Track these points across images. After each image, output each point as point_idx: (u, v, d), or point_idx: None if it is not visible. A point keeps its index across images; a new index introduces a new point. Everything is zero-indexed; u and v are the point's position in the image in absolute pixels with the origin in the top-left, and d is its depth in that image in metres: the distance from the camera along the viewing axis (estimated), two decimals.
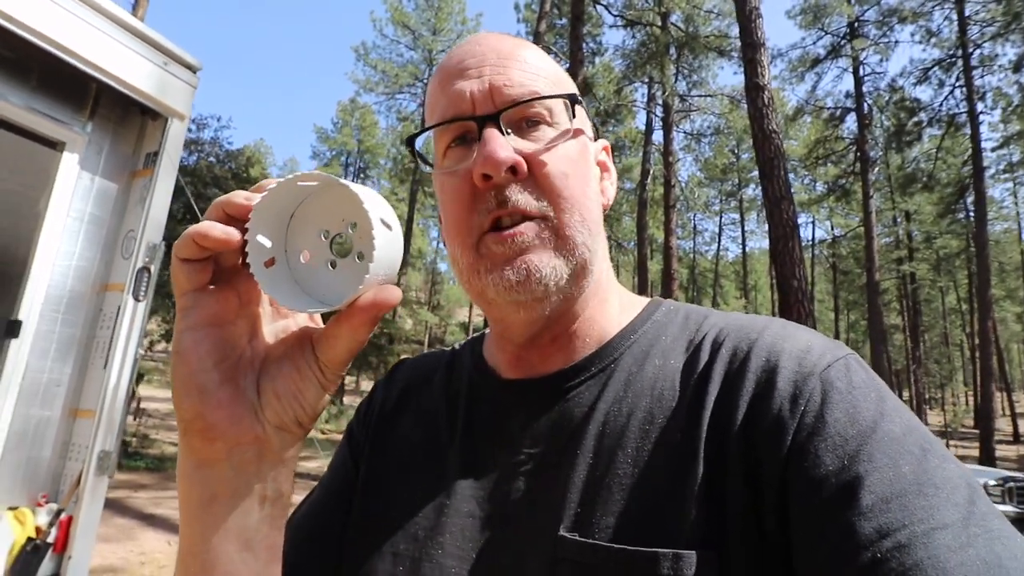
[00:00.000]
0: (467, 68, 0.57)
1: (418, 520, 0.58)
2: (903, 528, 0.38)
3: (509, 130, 0.55)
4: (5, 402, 2.16)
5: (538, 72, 0.58)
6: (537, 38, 14.57)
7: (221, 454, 0.42)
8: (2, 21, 1.92)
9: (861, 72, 22.76)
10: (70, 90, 2.31)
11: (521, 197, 0.54)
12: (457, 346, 0.75)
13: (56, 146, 2.31)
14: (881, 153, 25.12)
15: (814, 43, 22.72)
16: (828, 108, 23.70)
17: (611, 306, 0.62)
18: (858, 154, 22.11)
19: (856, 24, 21.83)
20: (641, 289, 22.68)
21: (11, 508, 2.14)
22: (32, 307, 2.24)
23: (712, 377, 0.52)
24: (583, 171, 0.58)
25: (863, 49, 21.55)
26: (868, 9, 21.37)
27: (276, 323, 0.47)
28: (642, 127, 25.50)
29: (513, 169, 0.53)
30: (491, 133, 0.54)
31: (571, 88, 0.61)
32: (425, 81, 30.26)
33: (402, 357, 0.82)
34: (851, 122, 23.53)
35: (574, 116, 0.58)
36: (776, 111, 7.85)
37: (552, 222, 0.54)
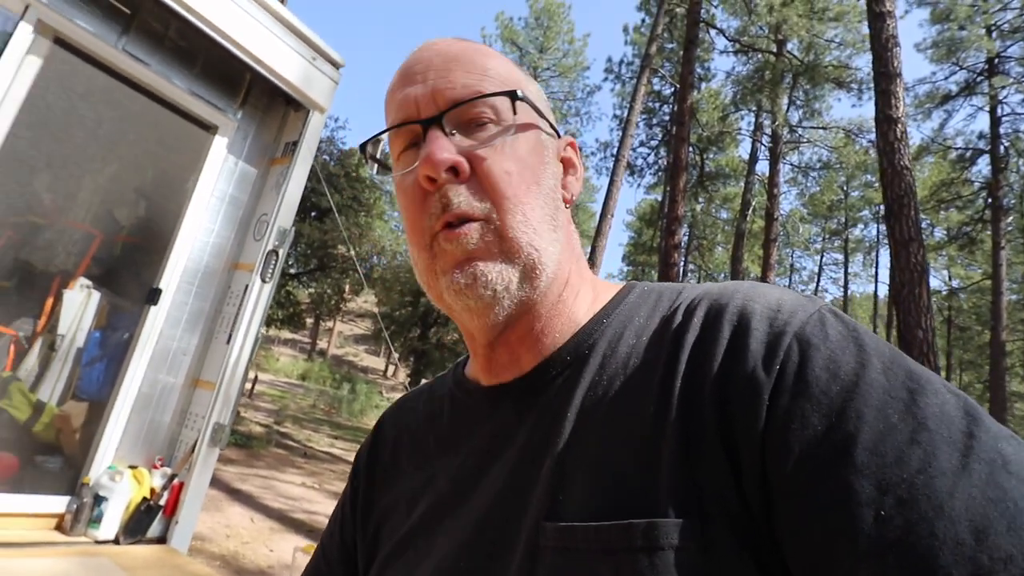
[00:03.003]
0: (414, 74, 0.58)
1: (417, 543, 0.59)
2: (902, 482, 0.37)
3: (454, 131, 0.56)
4: (139, 364, 2.30)
5: (484, 73, 0.58)
6: (646, 60, 14.44)
7: None
8: (181, 10, 2.05)
9: (999, 112, 21.06)
10: (228, 78, 2.45)
11: (463, 199, 0.54)
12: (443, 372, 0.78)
13: (210, 129, 2.45)
14: (1016, 201, 23.09)
15: (946, 78, 21.25)
16: (957, 148, 22.02)
17: (582, 297, 0.61)
18: (989, 200, 20.40)
19: (996, 60, 20.25)
20: None
21: (131, 466, 2.25)
22: (172, 278, 2.37)
23: (683, 343, 0.50)
24: (531, 168, 0.57)
25: (1003, 87, 19.94)
26: (1012, 45, 19.78)
27: None
28: (745, 156, 24.77)
29: (455, 170, 0.54)
30: (432, 135, 0.55)
31: (522, 86, 0.60)
32: None
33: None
34: (983, 165, 21.76)
35: (515, 112, 0.58)
36: (908, 146, 7.35)
37: (494, 224, 0.54)
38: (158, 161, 2.43)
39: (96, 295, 2.27)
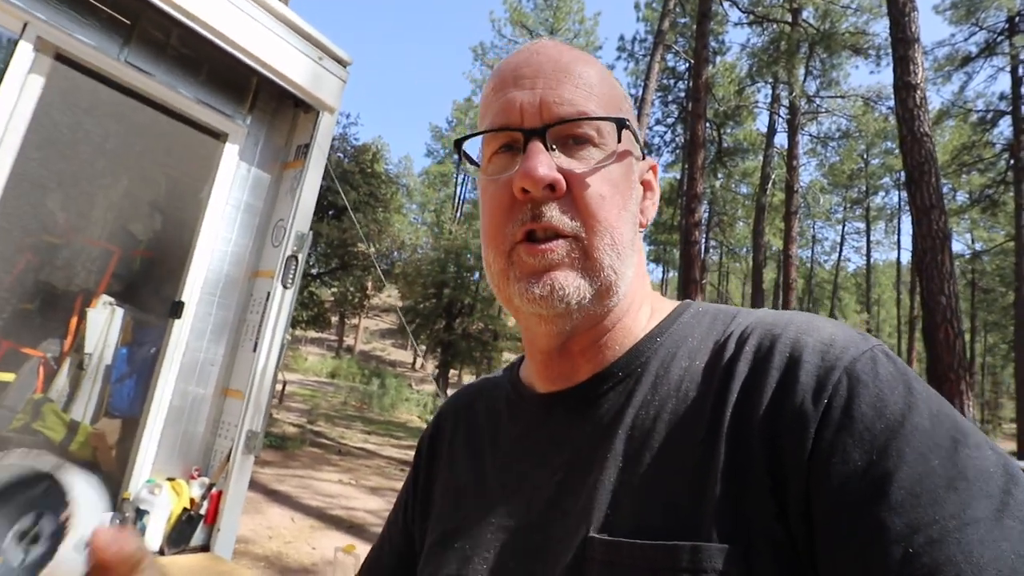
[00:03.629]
0: (522, 78, 0.58)
1: (466, 543, 0.60)
2: (934, 523, 0.38)
3: (554, 146, 0.56)
4: (168, 378, 2.30)
5: (591, 91, 0.58)
6: (659, 36, 14.20)
7: None
8: (182, 18, 2.02)
9: (1020, 72, 20.38)
10: (234, 84, 2.42)
11: (555, 214, 0.54)
12: (501, 369, 0.79)
13: (220, 137, 2.43)
14: None
15: (965, 40, 20.54)
16: (978, 111, 21.40)
17: (642, 314, 0.63)
18: (1011, 162, 19.83)
19: (1017, 19, 19.54)
20: (754, 297, 21.62)
21: (169, 479, 2.26)
22: (193, 290, 2.36)
23: (735, 373, 0.51)
24: (622, 194, 0.58)
25: None
26: None
27: None
28: (763, 129, 24.35)
29: (552, 186, 0.54)
30: (535, 148, 0.54)
31: (623, 109, 0.61)
32: None
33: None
34: (1004, 127, 21.12)
35: (620, 140, 0.59)
36: (928, 112, 7.16)
37: (582, 243, 0.55)
38: (170, 172, 2.42)
39: (120, 311, 2.27)
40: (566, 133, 0.57)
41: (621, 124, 0.58)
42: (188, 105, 2.30)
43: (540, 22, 29.32)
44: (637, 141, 0.63)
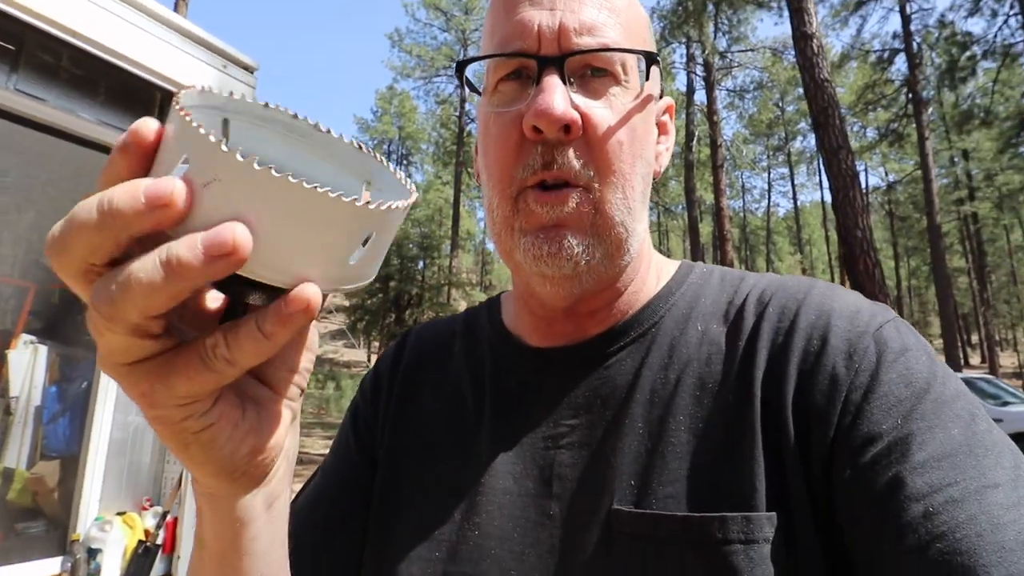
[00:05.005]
0: None
1: (451, 500, 0.54)
2: (955, 484, 0.39)
3: (572, 79, 0.50)
4: (104, 411, 2.23)
5: (616, 15, 0.52)
6: None
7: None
8: (68, 37, 1.93)
9: (908, 10, 21.49)
10: (137, 101, 2.33)
11: (568, 161, 0.49)
12: (469, 311, 0.70)
13: None
14: (934, 92, 23.76)
15: None
16: (875, 51, 22.49)
17: (651, 274, 0.59)
18: (910, 96, 21.01)
19: None
20: (693, 252, 22.30)
21: (119, 513, 2.21)
22: None
23: (761, 336, 0.50)
24: (641, 141, 0.53)
25: None
26: None
27: None
28: (682, 88, 24.88)
29: (567, 127, 0.48)
30: (551, 82, 0.48)
31: (647, 39, 0.55)
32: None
33: (408, 327, 0.74)
34: (900, 63, 22.33)
35: (648, 78, 0.53)
36: (826, 59, 7.55)
37: (594, 195, 0.50)
38: (79, 200, 2.32)
39: (43, 349, 2.18)
40: (586, 63, 0.50)
41: (651, 59, 0.52)
42: (90, 128, 2.20)
43: (453, 2, 28.91)
44: (660, 76, 0.57)
